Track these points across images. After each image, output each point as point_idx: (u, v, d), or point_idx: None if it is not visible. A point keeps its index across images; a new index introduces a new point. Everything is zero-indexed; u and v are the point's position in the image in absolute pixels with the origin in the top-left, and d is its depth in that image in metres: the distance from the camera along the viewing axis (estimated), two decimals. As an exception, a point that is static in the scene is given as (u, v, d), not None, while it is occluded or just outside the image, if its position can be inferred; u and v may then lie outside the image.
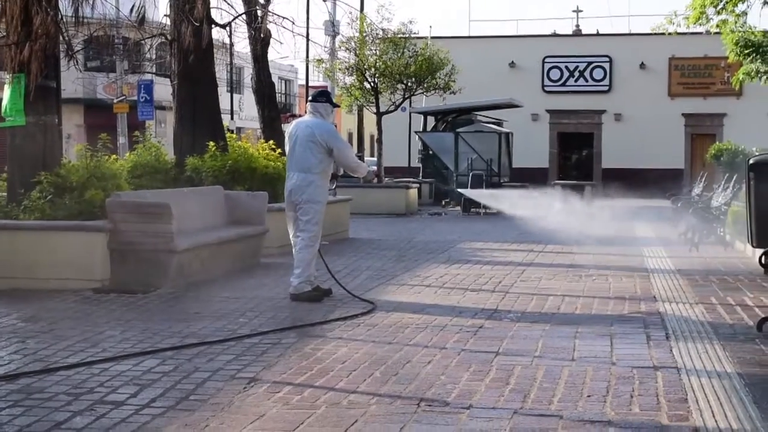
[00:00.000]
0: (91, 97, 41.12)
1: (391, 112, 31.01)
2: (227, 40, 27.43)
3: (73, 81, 31.66)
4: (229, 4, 19.40)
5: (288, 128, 11.29)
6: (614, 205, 19.14)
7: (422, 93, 31.64)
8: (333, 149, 10.18)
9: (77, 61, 13.75)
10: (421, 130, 36.08)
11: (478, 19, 68.21)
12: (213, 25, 17.67)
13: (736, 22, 21.41)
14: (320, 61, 32.49)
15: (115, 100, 33.87)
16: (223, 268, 12.24)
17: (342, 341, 7.96)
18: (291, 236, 10.45)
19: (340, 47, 31.92)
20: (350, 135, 55.01)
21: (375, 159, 33.61)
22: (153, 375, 6.66)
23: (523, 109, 38.26)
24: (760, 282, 11.28)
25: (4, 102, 11.86)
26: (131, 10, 16.95)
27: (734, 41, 21.65)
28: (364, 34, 30.54)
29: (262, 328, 8.46)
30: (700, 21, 20.98)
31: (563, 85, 43.95)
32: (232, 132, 21.43)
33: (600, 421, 5.55)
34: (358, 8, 34.74)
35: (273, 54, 32.89)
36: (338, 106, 11.05)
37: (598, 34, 46.43)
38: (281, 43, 67.10)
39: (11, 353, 7.39)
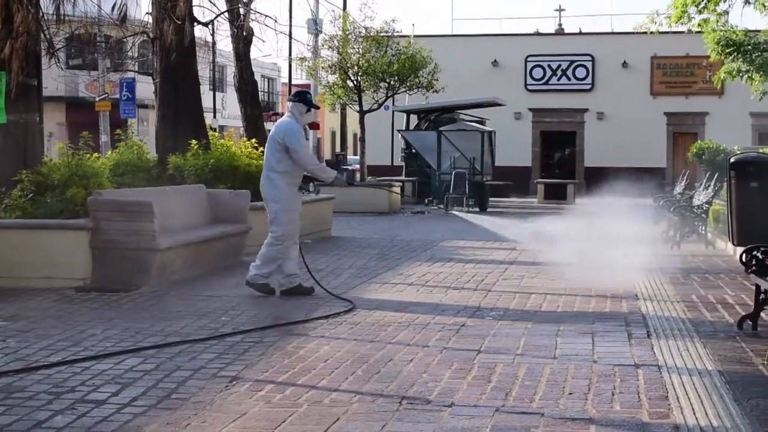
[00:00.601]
0: (72, 95, 40.94)
1: (374, 110, 31.00)
2: (210, 38, 27.39)
3: (54, 79, 31.57)
4: (211, 2, 19.55)
5: None
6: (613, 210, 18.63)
7: (405, 91, 31.64)
8: (289, 148, 10.17)
9: (59, 59, 13.73)
10: (404, 128, 36.07)
11: (460, 18, 68.66)
12: (195, 23, 17.64)
13: (717, 21, 21.47)
14: (303, 59, 32.43)
15: (97, 98, 33.71)
16: (206, 267, 12.21)
17: (324, 339, 7.96)
18: None
19: (323, 45, 31.89)
20: (333, 133, 54.97)
21: (358, 158, 33.59)
22: (134, 374, 6.65)
23: (506, 107, 38.29)
24: (740, 280, 11.33)
25: (-15, 100, 11.81)
26: (113, 8, 16.92)
27: (716, 40, 21.71)
28: (347, 33, 30.52)
29: (244, 327, 8.46)
30: (681, 20, 21.01)
31: (546, 83, 44.03)
32: (214, 130, 21.36)
33: (581, 419, 5.57)
34: (341, 6, 34.71)
35: (256, 52, 32.92)
36: (315, 107, 10.91)
37: (580, 33, 46.51)
38: (264, 41, 67.21)
39: (-8, 352, 7.36)
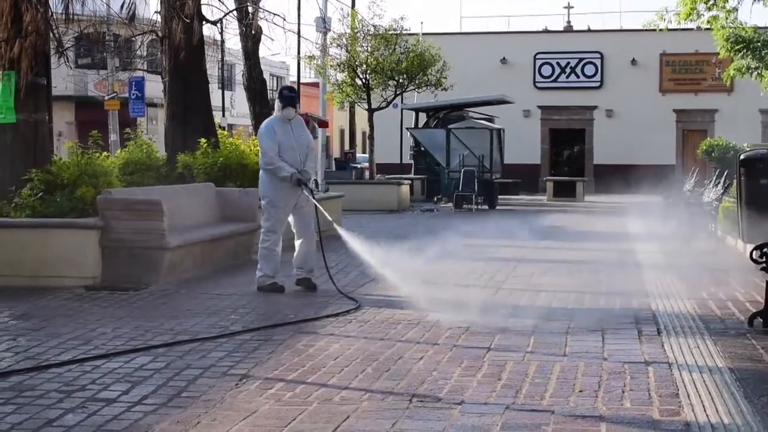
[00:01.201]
0: (82, 94, 41.01)
1: (383, 108, 30.99)
2: (218, 37, 27.34)
3: (63, 78, 31.64)
4: (219, 0, 19.39)
5: None
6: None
7: (414, 89, 31.60)
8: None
9: (68, 59, 13.75)
10: (412, 126, 36.07)
11: (469, 16, 68.53)
12: (204, 22, 17.65)
13: (726, 18, 21.38)
14: (311, 57, 32.39)
15: (106, 97, 33.76)
16: (215, 265, 12.23)
17: (334, 337, 7.96)
18: None
19: (331, 44, 31.86)
20: (342, 132, 54.97)
21: (367, 155, 33.58)
22: (145, 372, 6.65)
23: (515, 105, 38.24)
24: (751, 277, 11.28)
25: (-5, 99, 11.84)
26: (122, 7, 16.92)
27: (725, 37, 21.64)
28: (356, 31, 30.51)
29: (253, 325, 8.46)
30: (690, 17, 20.95)
31: (555, 81, 43.97)
32: (223, 129, 21.36)
33: (592, 416, 5.55)
34: (350, 5, 34.67)
35: (264, 51, 32.91)
36: (291, 103, 10.54)
37: (589, 30, 46.42)
38: (272, 39, 67.14)
39: (3, 351, 7.37)
